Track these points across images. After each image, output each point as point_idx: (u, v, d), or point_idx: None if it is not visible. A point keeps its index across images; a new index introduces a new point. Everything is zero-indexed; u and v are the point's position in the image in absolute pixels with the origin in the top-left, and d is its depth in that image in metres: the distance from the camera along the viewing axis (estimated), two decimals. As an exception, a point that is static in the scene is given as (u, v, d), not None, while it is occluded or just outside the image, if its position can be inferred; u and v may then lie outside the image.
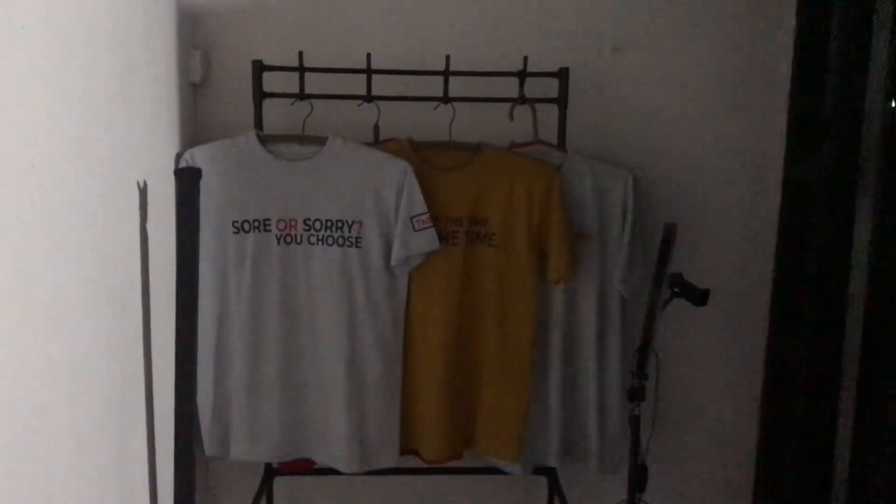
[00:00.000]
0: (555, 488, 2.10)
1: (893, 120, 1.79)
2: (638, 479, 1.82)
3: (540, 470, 2.09)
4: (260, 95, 1.96)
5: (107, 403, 1.55)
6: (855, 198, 1.86)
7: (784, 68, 2.05)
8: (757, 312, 2.18)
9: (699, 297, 1.75)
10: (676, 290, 1.75)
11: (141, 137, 1.75)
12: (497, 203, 1.94)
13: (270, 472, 2.11)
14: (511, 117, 1.99)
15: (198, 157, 1.89)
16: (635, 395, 1.75)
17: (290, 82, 1.95)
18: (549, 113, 2.00)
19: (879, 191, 1.78)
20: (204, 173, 1.85)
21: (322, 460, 2.01)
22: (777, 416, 2.08)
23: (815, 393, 1.94)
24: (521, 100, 1.97)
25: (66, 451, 1.36)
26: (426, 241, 1.90)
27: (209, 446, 1.99)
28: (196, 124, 2.06)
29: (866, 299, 1.80)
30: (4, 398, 1.13)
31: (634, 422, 1.79)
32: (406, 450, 2.02)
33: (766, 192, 2.14)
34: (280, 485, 2.17)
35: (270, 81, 1.96)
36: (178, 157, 1.91)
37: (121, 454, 1.64)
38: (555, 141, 2.01)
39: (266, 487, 2.10)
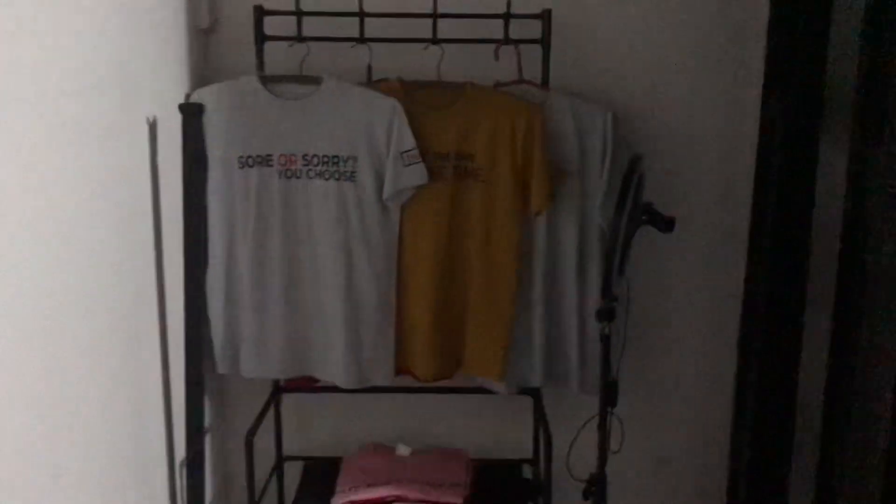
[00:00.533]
0: (538, 407, 2.24)
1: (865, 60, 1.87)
2: (608, 394, 1.95)
3: (526, 391, 2.23)
4: (261, 39, 2.09)
5: (119, 317, 1.74)
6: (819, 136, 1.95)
7: (763, 10, 2.13)
8: (738, 243, 2.28)
9: (665, 223, 1.85)
10: (644, 217, 1.86)
11: (151, 78, 1.91)
12: (482, 139, 2.05)
13: (277, 389, 2.29)
14: (496, 57, 2.08)
15: (204, 96, 2.03)
16: (603, 315, 1.88)
17: (289, 27, 2.07)
18: (533, 54, 2.09)
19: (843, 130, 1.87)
20: (211, 112, 2.03)
21: (323, 377, 2.18)
22: (749, 341, 2.20)
23: (780, 319, 2.06)
24: (506, 41, 2.07)
25: (83, 361, 1.54)
26: (416, 175, 2.02)
27: (221, 365, 2.16)
28: (205, 68, 2.20)
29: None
30: (26, 311, 1.30)
31: (604, 340, 1.91)
32: (401, 369, 2.17)
33: (744, 127, 2.22)
34: (286, 401, 2.35)
35: (270, 26, 2.09)
36: (188, 97, 2.06)
37: (134, 366, 1.83)
38: (538, 80, 2.10)
39: (273, 402, 2.29)
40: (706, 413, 2.43)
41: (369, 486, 2.11)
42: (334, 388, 2.19)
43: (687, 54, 2.24)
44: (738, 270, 2.29)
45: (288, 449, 2.39)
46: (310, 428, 2.43)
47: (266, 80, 2.05)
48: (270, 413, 2.28)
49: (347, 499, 2.08)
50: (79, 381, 1.52)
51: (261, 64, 2.11)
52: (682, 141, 2.28)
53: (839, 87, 1.94)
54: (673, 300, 2.37)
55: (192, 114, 1.86)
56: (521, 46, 2.08)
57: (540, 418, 2.22)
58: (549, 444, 2.04)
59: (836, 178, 1.85)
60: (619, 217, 1.77)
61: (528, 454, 2.35)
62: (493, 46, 2.08)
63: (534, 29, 2.08)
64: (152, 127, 1.87)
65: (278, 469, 2.34)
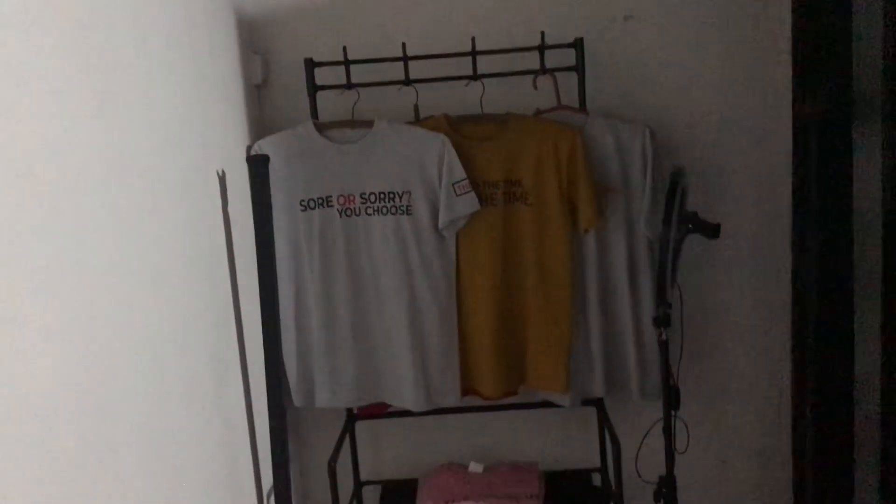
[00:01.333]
0: (603, 416, 2.32)
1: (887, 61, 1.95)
2: (671, 399, 2.03)
3: (588, 401, 2.31)
4: (313, 89, 2.22)
5: (207, 356, 1.85)
6: (850, 131, 2.03)
7: (786, 21, 2.23)
8: (782, 244, 2.36)
9: (711, 231, 1.94)
10: (690, 226, 1.94)
11: (216, 133, 2.05)
12: (528, 165, 2.16)
13: (351, 417, 2.40)
14: (535, 87, 2.20)
15: (265, 147, 2.16)
16: (659, 321, 1.96)
17: (338, 75, 2.21)
18: (569, 80, 2.20)
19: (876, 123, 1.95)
20: (273, 161, 2.16)
21: (394, 403, 2.28)
22: (802, 338, 2.26)
23: (831, 313, 2.12)
24: (543, 71, 2.18)
25: (178, 397, 1.66)
26: (468, 203, 2.14)
27: (296, 398, 2.28)
28: (261, 120, 2.34)
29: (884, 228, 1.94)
30: (130, 355, 1.43)
31: (663, 346, 2.00)
32: (467, 390, 2.27)
33: (778, 133, 2.30)
34: (360, 428, 2.46)
35: (321, 76, 2.22)
36: (248, 148, 2.19)
37: (221, 403, 1.94)
38: (576, 105, 2.21)
39: (348, 429, 2.39)
40: (766, 412, 2.48)
41: (447, 502, 2.20)
42: (405, 413, 2.29)
43: (716, 67, 2.33)
44: (784, 270, 2.37)
45: (364, 474, 2.48)
46: (384, 452, 2.53)
47: (321, 127, 2.18)
48: (346, 440, 2.37)
49: (429, 516, 2.18)
50: (176, 415, 1.64)
51: (314, 112, 2.24)
52: (718, 150, 2.36)
53: (866, 90, 2.02)
54: (724, 303, 2.44)
55: (259, 164, 1.99)
56: (557, 74, 2.18)
57: (605, 426, 2.28)
58: (617, 449, 2.10)
59: (873, 173, 1.93)
60: (668, 228, 1.86)
61: (596, 462, 2.42)
62: (530, 77, 2.20)
63: (568, 57, 2.19)
64: (222, 180, 2.00)
65: (357, 494, 2.44)
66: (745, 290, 2.43)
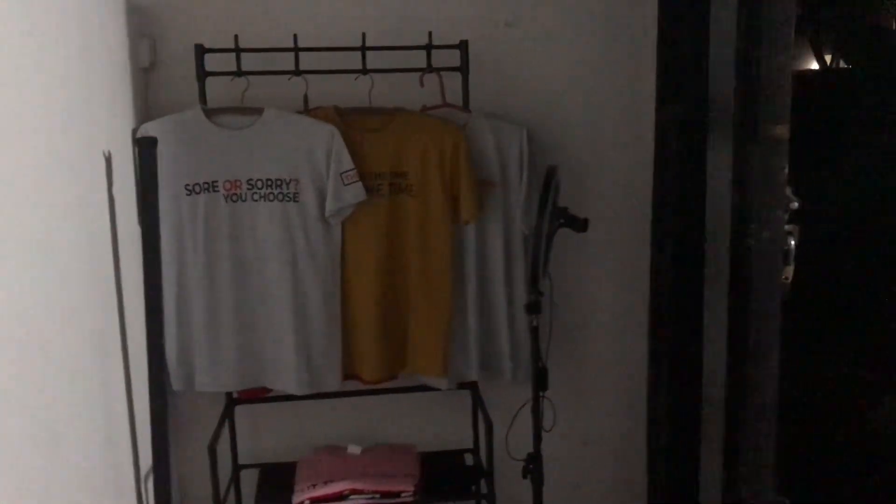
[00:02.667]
0: (477, 399, 2.44)
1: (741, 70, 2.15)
2: (540, 380, 2.17)
3: (464, 385, 2.43)
4: (202, 74, 2.23)
5: (89, 340, 1.85)
6: (705, 135, 2.24)
7: (651, 32, 2.43)
8: (643, 237, 2.54)
9: (580, 225, 2.09)
10: (562, 220, 2.09)
11: (102, 115, 2.03)
12: (414, 159, 2.25)
13: (231, 402, 2.42)
14: (422, 84, 2.29)
15: (151, 130, 2.15)
16: (531, 308, 2.10)
17: (228, 62, 2.23)
18: (454, 80, 2.31)
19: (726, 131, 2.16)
20: (158, 144, 2.15)
21: (275, 387, 2.31)
22: (658, 324, 2.47)
23: (684, 302, 2.33)
24: (429, 69, 2.28)
25: (59, 378, 1.65)
26: (355, 193, 2.20)
27: (175, 382, 2.28)
28: (149, 104, 2.33)
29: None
30: (12, 335, 1.42)
31: (533, 332, 2.13)
32: (348, 374, 2.33)
33: (643, 136, 2.49)
34: (240, 412, 2.47)
35: (211, 62, 2.23)
36: (135, 131, 2.18)
37: (102, 384, 1.94)
38: (460, 104, 2.32)
39: (228, 413, 2.41)
40: (626, 395, 2.69)
41: (326, 482, 2.27)
42: (285, 397, 2.33)
43: (589, 73, 2.51)
44: (645, 264, 2.56)
45: (244, 457, 2.51)
46: (264, 436, 2.56)
47: (210, 113, 2.19)
48: (226, 424, 2.40)
49: (306, 496, 2.23)
50: (57, 396, 1.63)
51: (203, 98, 2.24)
52: (589, 150, 2.54)
53: (720, 95, 2.23)
54: (590, 292, 2.62)
55: (146, 146, 1.99)
56: (443, 74, 2.29)
57: (479, 408, 2.42)
58: (489, 430, 2.24)
59: (723, 175, 2.14)
60: (541, 221, 2.00)
61: (470, 444, 2.54)
62: (418, 74, 2.29)
63: (453, 58, 2.30)
64: (108, 161, 1.99)
65: (235, 477, 2.46)
66: (610, 282, 2.62)
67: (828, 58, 3.49)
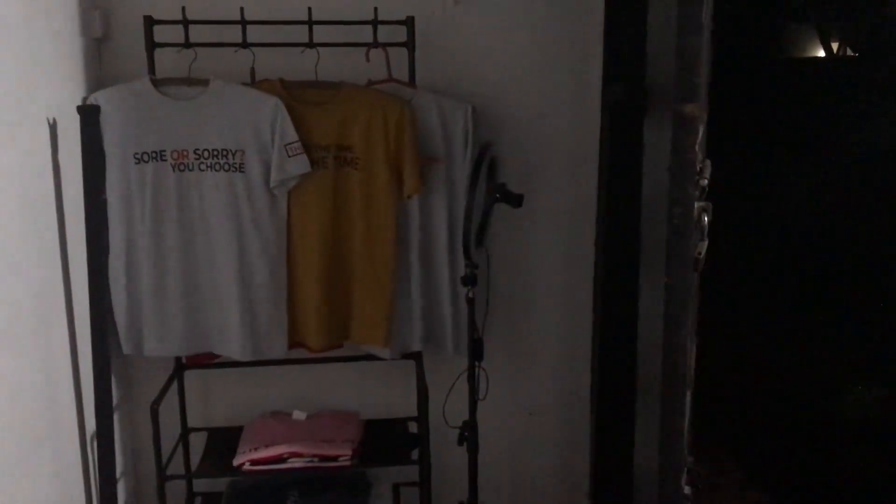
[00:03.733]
0: (419, 369, 2.49)
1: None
2: (475, 350, 2.24)
3: (407, 355, 2.48)
4: (151, 46, 2.27)
5: (28, 304, 1.90)
6: (642, 118, 2.28)
7: (599, 13, 2.47)
8: (587, 214, 2.62)
9: (516, 200, 2.14)
10: (498, 195, 2.15)
11: (49, 84, 2.07)
12: (358, 132, 2.28)
13: (179, 366, 2.48)
14: (367, 59, 2.33)
15: (100, 99, 2.19)
16: (466, 280, 2.16)
17: (177, 34, 2.26)
18: (401, 56, 2.34)
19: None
20: (107, 113, 2.19)
21: (221, 353, 2.37)
22: (599, 297, 2.53)
23: (620, 276, 2.37)
24: (375, 44, 2.31)
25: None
26: (299, 165, 2.24)
27: (125, 346, 2.33)
28: (100, 74, 2.37)
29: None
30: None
31: (469, 303, 2.20)
32: (294, 342, 2.38)
33: (590, 117, 2.55)
34: (188, 377, 2.54)
35: (160, 34, 2.27)
36: (84, 100, 2.22)
37: (44, 350, 2.00)
38: (406, 80, 2.35)
39: (176, 377, 2.47)
40: (568, 366, 2.75)
41: (267, 446, 2.33)
42: (234, 363, 2.38)
43: (536, 52, 2.53)
44: (587, 238, 2.63)
45: (192, 422, 2.57)
46: (213, 401, 2.62)
47: (157, 83, 2.23)
48: (174, 389, 2.46)
49: (247, 458, 2.30)
50: None
51: (152, 69, 2.28)
52: (536, 128, 2.57)
53: (658, 80, 2.28)
54: (533, 267, 2.67)
55: (89, 114, 2.04)
56: (389, 49, 2.32)
57: (420, 378, 2.47)
58: (425, 398, 2.31)
59: (659, 155, 2.19)
60: (472, 194, 2.05)
61: (414, 412, 2.57)
62: (364, 49, 2.32)
63: (400, 34, 2.33)
64: (52, 127, 2.04)
65: (183, 439, 2.53)
66: (555, 257, 2.66)
67: (834, 46, 3.54)
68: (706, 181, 1.69)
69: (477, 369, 2.26)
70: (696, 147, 1.67)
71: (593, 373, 2.69)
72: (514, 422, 2.76)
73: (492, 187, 2.16)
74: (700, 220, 1.73)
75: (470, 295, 2.20)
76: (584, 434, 2.77)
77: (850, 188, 3.52)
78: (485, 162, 2.07)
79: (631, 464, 2.49)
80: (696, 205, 1.71)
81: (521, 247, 2.64)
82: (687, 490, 1.86)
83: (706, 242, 1.75)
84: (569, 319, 2.71)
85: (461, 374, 2.28)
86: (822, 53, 3.64)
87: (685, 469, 1.86)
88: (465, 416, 2.31)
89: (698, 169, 1.69)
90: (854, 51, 3.58)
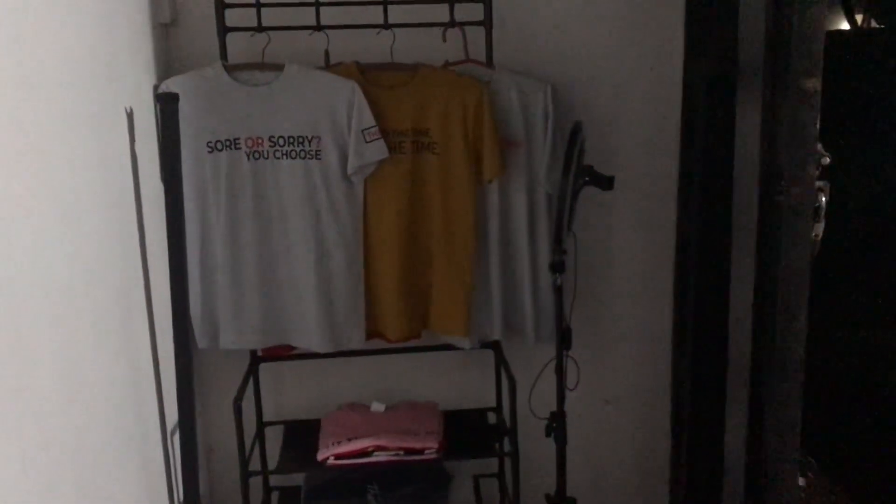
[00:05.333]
0: (500, 358, 2.44)
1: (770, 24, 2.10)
2: (563, 339, 2.17)
3: (487, 344, 2.42)
4: (223, 30, 2.20)
5: (113, 297, 1.85)
6: (735, 93, 2.19)
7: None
8: (668, 196, 2.54)
9: (606, 182, 2.07)
10: (587, 178, 2.07)
11: (123, 71, 2.02)
12: (436, 115, 2.22)
13: (255, 359, 2.43)
14: (444, 39, 2.25)
15: (172, 86, 2.14)
16: (555, 267, 2.09)
17: (249, 17, 2.20)
18: (477, 35, 2.27)
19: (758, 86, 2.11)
20: (181, 101, 2.11)
21: (299, 345, 2.32)
22: (683, 283, 2.44)
23: (710, 259, 2.29)
24: (452, 24, 2.24)
25: (87, 335, 1.67)
26: (377, 150, 2.18)
27: (201, 340, 2.29)
28: (169, 60, 2.31)
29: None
30: (38, 292, 1.42)
31: (557, 291, 2.13)
32: (372, 333, 2.33)
33: (669, 91, 2.46)
34: (264, 369, 2.49)
35: (231, 17, 2.21)
36: (156, 87, 2.17)
37: (128, 341, 1.96)
38: (483, 60, 2.28)
39: (253, 371, 2.42)
40: (650, 353, 2.67)
41: (350, 439, 2.28)
42: (309, 355, 2.34)
43: (615, 27, 2.44)
44: (669, 221, 2.54)
45: (268, 415, 2.53)
46: (288, 394, 2.57)
47: (230, 69, 2.17)
48: (250, 381, 2.41)
49: (331, 452, 2.25)
50: (85, 353, 1.65)
51: (224, 53, 2.22)
52: (614, 106, 2.48)
53: (751, 49, 2.18)
54: (615, 251, 2.59)
55: (168, 102, 1.98)
56: (466, 29, 2.24)
57: (502, 368, 2.41)
58: (513, 387, 2.23)
59: (752, 131, 2.10)
60: (566, 179, 1.97)
61: (493, 403, 2.54)
62: (440, 29, 2.25)
63: (476, 12, 2.26)
64: (130, 117, 1.98)
65: (260, 433, 2.49)
66: (636, 240, 2.58)
67: (859, 18, 3.38)
68: (828, 159, 1.60)
69: (565, 359, 2.18)
70: (817, 123, 1.59)
71: (675, 359, 2.61)
72: (592, 410, 2.69)
73: (580, 170, 2.07)
74: (818, 199, 1.64)
75: (558, 282, 2.12)
76: (663, 421, 2.69)
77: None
78: (577, 143, 1.98)
79: (718, 452, 2.42)
80: (816, 184, 1.62)
81: (601, 230, 2.56)
82: (801, 482, 1.79)
83: (823, 224, 1.67)
84: (649, 304, 2.64)
85: (548, 362, 2.20)
86: (846, 27, 3.49)
87: (799, 461, 1.78)
88: (547, 406, 2.23)
89: (819, 146, 1.60)
90: (879, 22, 3.41)
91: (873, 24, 3.33)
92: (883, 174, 2.85)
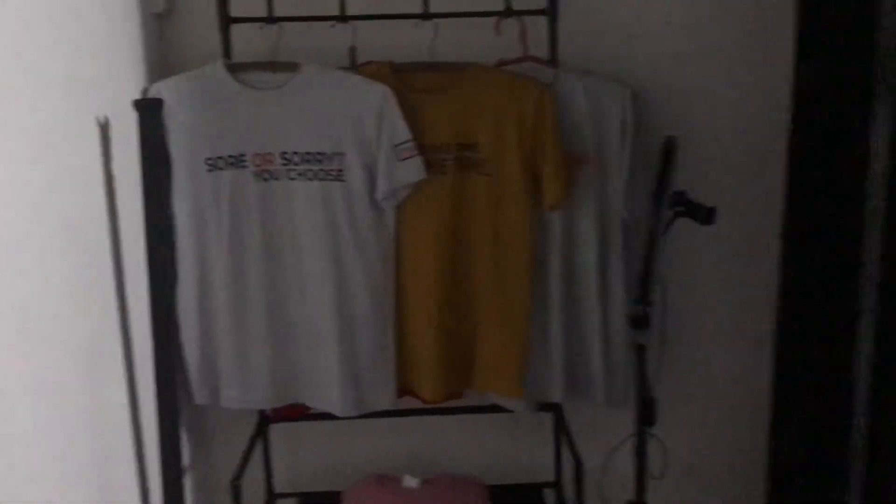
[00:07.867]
0: (560, 424, 2.11)
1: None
2: (645, 411, 1.76)
3: (544, 406, 2.09)
4: (226, 21, 1.93)
5: (76, 345, 1.55)
6: (871, 102, 1.76)
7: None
8: (769, 232, 2.14)
9: (705, 215, 1.68)
10: (680, 209, 1.68)
11: (101, 72, 1.72)
12: (486, 127, 1.91)
13: (264, 420, 2.13)
14: (497, 31, 1.93)
15: (164, 90, 1.86)
16: (638, 322, 1.68)
17: (258, 6, 1.90)
18: (539, 26, 1.95)
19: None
20: (173, 108, 1.85)
21: (316, 405, 2.02)
22: (792, 347, 2.02)
23: (831, 320, 1.88)
24: (508, 13, 1.92)
25: (32, 400, 1.35)
26: (412, 171, 1.87)
27: (199, 395, 2.00)
28: (164, 57, 2.03)
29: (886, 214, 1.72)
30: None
31: (639, 351, 1.73)
32: (404, 391, 2.03)
33: (777, 101, 2.07)
34: (275, 432, 2.18)
35: (236, 6, 1.93)
36: (144, 91, 1.86)
37: (96, 403, 1.64)
38: (546, 57, 1.96)
39: (260, 434, 2.12)
40: (746, 426, 2.27)
41: (376, 525, 1.91)
42: (329, 415, 2.03)
43: (708, 19, 2.08)
44: (769, 261, 2.15)
45: (279, 485, 2.23)
46: (303, 461, 2.29)
47: (234, 69, 1.88)
48: (257, 447, 2.11)
49: (353, 541, 1.88)
50: (26, 426, 1.32)
51: (227, 50, 1.95)
52: (706, 118, 2.13)
53: (888, 46, 1.75)
54: (704, 299, 2.21)
55: (149, 110, 1.65)
56: (525, 19, 1.93)
57: (563, 436, 2.09)
58: (578, 464, 1.91)
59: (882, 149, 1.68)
60: (658, 208, 1.57)
61: (550, 477, 2.21)
62: (492, 20, 1.93)
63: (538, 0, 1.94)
64: (104, 128, 1.67)
65: (270, 509, 2.18)
66: (730, 285, 2.20)
67: None
68: None
69: (647, 437, 1.77)
70: None
71: (773, 446, 2.18)
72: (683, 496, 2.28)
73: (671, 198, 1.66)
74: None
75: (641, 341, 1.71)
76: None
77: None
78: (671, 165, 1.57)
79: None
80: None
81: (687, 273, 2.16)
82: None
83: None
84: (744, 365, 2.23)
85: (624, 439, 1.80)
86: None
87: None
88: (619, 488, 1.84)
89: None
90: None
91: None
92: None
